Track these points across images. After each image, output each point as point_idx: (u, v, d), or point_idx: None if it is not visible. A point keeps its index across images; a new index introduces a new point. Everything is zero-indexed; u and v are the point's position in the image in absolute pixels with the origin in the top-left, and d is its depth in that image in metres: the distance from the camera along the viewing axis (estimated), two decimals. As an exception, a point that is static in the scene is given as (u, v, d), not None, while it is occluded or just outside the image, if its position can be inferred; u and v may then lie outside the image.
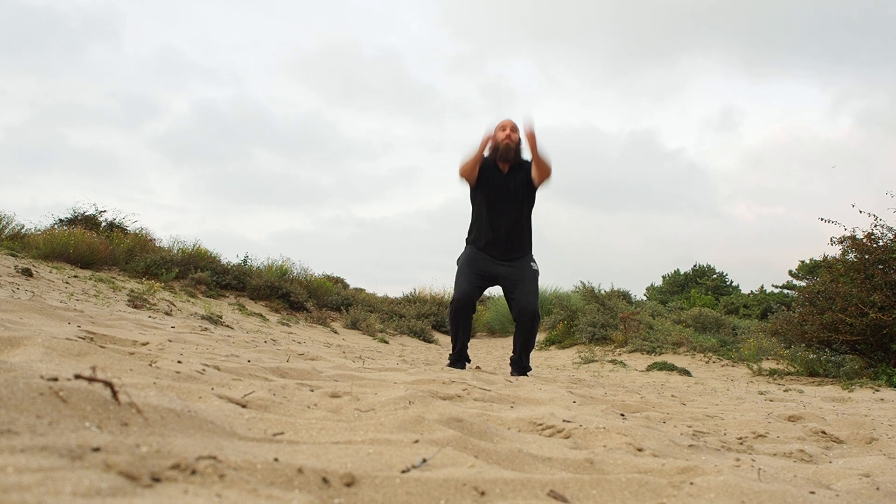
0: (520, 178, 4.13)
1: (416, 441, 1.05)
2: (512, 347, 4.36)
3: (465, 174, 4.10)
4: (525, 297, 4.13)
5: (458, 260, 4.31)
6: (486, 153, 4.13)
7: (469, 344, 4.41)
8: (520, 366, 4.20)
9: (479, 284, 4.19)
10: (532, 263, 4.23)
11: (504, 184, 4.11)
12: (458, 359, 4.27)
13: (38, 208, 30.49)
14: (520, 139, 4.12)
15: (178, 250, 10.36)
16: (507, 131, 4.10)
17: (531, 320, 4.13)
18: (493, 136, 4.12)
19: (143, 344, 2.26)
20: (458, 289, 4.17)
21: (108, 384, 0.89)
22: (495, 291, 20.20)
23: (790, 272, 19.91)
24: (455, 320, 4.20)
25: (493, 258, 4.18)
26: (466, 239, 4.34)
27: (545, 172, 4.01)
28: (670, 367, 6.49)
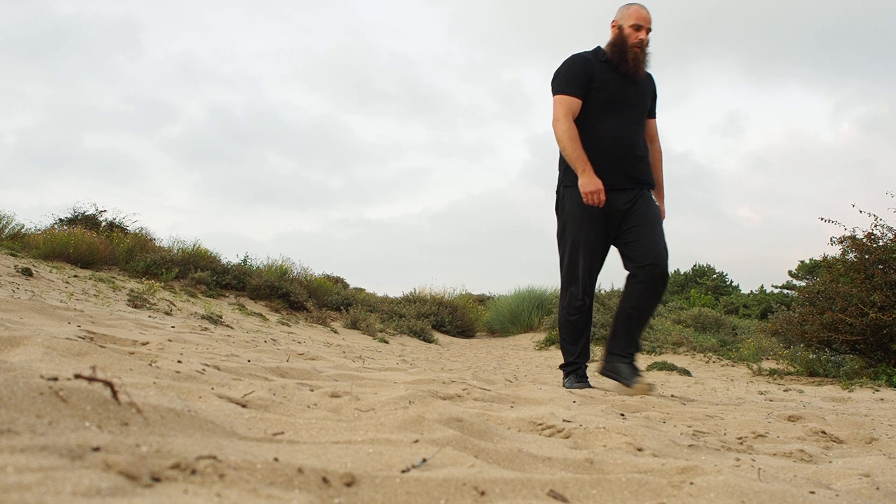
0: (644, 90, 3.29)
1: (416, 441, 1.05)
2: (612, 328, 3.23)
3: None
4: (654, 245, 3.06)
5: (563, 215, 3.23)
6: (603, 47, 3.23)
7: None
8: (629, 347, 3.17)
9: (599, 265, 3.24)
10: (654, 200, 3.25)
11: (628, 91, 3.20)
12: (581, 355, 3.32)
13: (45, 209, 30.58)
14: (649, 41, 3.21)
15: (178, 250, 10.36)
16: (643, 34, 3.15)
17: (662, 277, 3.05)
18: (618, 26, 3.18)
19: (143, 344, 2.26)
20: (572, 281, 3.19)
21: (108, 384, 0.89)
22: (495, 291, 20.17)
23: (790, 272, 19.88)
24: (572, 329, 3.26)
25: (609, 186, 3.08)
26: (562, 183, 3.27)
27: None
28: (670, 367, 6.49)
